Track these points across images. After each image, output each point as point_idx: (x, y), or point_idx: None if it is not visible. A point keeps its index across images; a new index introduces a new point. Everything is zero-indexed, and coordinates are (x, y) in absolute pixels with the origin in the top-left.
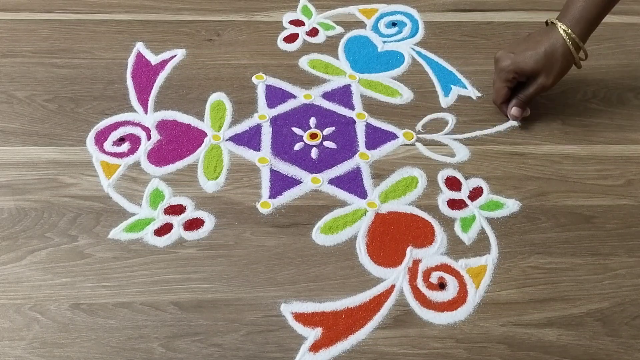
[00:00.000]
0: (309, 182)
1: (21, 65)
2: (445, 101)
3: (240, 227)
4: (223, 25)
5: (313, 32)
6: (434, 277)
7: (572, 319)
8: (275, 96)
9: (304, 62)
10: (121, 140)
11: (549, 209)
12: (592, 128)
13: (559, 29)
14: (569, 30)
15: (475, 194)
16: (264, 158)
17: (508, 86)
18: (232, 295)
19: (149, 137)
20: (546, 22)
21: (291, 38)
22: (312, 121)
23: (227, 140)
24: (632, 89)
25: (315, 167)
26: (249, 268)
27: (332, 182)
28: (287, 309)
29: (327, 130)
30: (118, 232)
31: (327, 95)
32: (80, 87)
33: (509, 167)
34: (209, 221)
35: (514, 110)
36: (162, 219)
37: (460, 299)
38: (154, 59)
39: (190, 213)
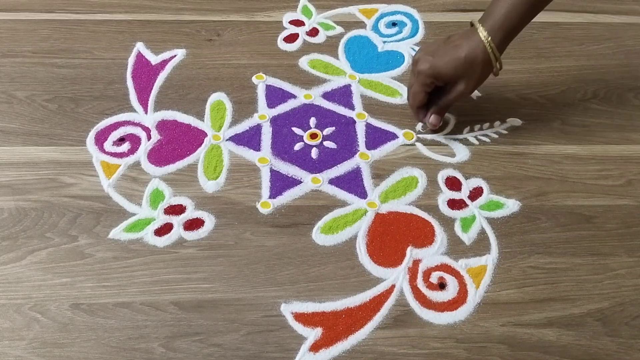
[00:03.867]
0: (309, 182)
1: (21, 65)
2: None
3: (240, 227)
4: (223, 25)
5: (313, 32)
6: (434, 277)
7: (572, 319)
8: (275, 96)
9: (304, 62)
10: (121, 140)
11: (549, 209)
12: (592, 128)
13: (480, 35)
14: (489, 39)
15: (476, 194)
16: (264, 158)
17: (425, 90)
18: (232, 295)
19: (149, 137)
20: (471, 23)
21: (291, 38)
22: (312, 121)
23: (227, 140)
24: (632, 89)
25: (315, 167)
26: (249, 268)
27: (332, 182)
28: (287, 309)
29: (327, 130)
30: (118, 232)
31: (327, 95)
32: (80, 87)
33: (509, 167)
34: (209, 221)
35: (432, 118)
36: (162, 219)
37: (460, 299)
38: (154, 59)
39: (190, 213)
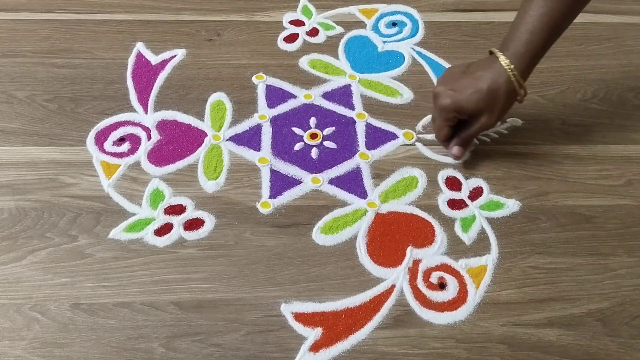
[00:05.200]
0: (309, 182)
1: (21, 65)
2: None
3: (240, 227)
4: (223, 25)
5: (313, 32)
6: (434, 277)
7: (572, 319)
8: (275, 96)
9: (304, 62)
10: (121, 140)
11: (549, 209)
12: (592, 128)
13: (502, 64)
14: (512, 67)
15: (476, 194)
16: (264, 158)
17: (449, 125)
18: (232, 295)
19: (149, 137)
20: (490, 52)
21: (291, 38)
22: (312, 121)
23: (227, 140)
24: (632, 89)
25: (315, 167)
26: (249, 268)
27: (332, 182)
28: (287, 309)
29: (327, 130)
30: (118, 232)
31: (327, 95)
32: (80, 87)
33: (509, 167)
34: (209, 221)
35: (455, 149)
36: (162, 219)
37: (460, 299)
38: (154, 59)
39: (191, 213)
